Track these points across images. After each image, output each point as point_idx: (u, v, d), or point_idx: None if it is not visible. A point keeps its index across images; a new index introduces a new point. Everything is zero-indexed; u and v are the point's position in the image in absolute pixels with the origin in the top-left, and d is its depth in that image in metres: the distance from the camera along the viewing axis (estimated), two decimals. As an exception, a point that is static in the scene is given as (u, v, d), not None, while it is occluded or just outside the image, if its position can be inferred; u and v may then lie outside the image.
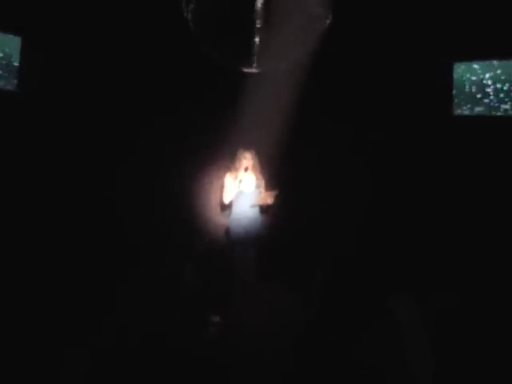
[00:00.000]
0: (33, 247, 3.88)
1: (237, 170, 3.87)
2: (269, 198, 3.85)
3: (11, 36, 4.16)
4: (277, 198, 3.86)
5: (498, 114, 4.18)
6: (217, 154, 4.23)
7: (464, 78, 4.28)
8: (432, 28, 4.19)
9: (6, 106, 4.17)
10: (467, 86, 4.27)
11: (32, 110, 4.28)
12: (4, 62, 4.15)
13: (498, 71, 4.16)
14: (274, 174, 4.21)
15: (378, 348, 2.23)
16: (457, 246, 3.92)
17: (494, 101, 4.18)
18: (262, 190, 3.94)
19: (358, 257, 3.65)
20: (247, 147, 3.90)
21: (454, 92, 4.30)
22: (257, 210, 3.93)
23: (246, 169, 3.87)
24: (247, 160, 3.87)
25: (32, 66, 4.26)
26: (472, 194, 4.10)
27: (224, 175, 3.92)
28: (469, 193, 4.12)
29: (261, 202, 3.91)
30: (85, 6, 4.23)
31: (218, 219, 4.06)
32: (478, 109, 4.25)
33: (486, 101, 4.21)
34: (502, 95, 4.16)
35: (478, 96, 4.24)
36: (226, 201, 3.89)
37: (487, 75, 4.19)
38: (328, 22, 3.52)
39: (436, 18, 4.14)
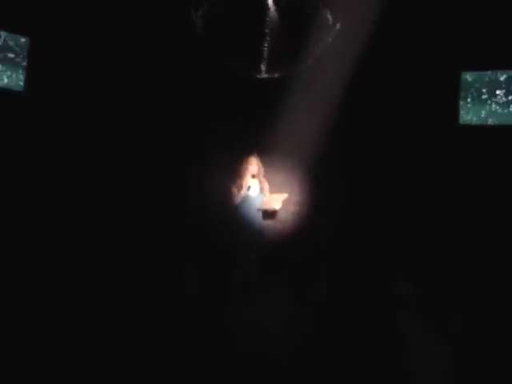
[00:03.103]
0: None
1: (242, 175, 3.94)
2: (275, 203, 3.89)
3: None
4: (284, 202, 3.90)
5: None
6: (226, 158, 4.30)
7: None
8: (439, 37, 4.25)
9: (12, 105, 4.25)
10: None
11: (39, 111, 4.36)
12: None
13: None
14: (284, 180, 4.30)
15: (381, 352, 2.24)
16: (464, 255, 3.97)
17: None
18: (267, 193, 3.99)
19: (365, 264, 3.69)
20: (252, 153, 4.00)
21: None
22: (260, 214, 3.97)
23: (253, 175, 3.95)
24: (252, 166, 3.96)
25: (40, 66, 4.32)
26: (478, 203, 4.15)
27: (231, 181, 3.99)
28: (475, 201, 4.16)
29: (266, 207, 3.94)
30: (100, 11, 4.33)
31: (224, 222, 4.13)
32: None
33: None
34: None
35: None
36: (232, 205, 3.95)
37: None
38: (337, 28, 3.59)
39: (443, 27, 4.21)
